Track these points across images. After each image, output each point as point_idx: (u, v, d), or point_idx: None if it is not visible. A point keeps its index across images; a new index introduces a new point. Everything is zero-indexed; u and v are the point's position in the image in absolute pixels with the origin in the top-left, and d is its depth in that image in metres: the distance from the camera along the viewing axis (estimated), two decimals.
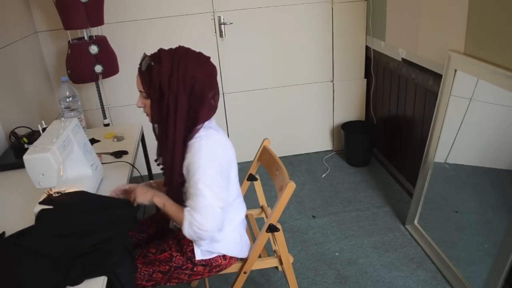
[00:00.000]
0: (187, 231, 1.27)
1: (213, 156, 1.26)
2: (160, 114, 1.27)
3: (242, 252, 1.49)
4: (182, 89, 1.23)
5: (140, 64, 1.27)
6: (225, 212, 1.37)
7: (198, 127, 1.28)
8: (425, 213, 2.22)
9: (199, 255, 1.40)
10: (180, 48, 1.28)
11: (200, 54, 1.29)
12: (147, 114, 1.34)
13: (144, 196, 1.34)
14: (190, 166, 1.25)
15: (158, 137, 1.34)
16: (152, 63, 1.23)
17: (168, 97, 1.24)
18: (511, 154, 1.71)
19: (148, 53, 1.29)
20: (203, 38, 2.86)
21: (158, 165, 1.40)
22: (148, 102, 1.30)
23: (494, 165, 1.84)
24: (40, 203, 1.33)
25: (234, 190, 1.43)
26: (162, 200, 1.33)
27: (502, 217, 1.70)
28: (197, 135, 1.28)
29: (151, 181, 1.57)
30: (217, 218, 1.27)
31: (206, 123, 1.31)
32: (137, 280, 1.37)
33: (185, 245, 1.42)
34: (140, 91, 1.30)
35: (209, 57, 1.31)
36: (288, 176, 1.44)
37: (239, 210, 1.48)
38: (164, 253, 1.41)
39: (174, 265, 1.40)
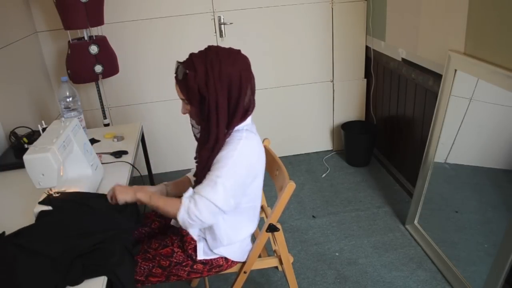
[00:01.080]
0: (181, 215, 1.26)
1: (244, 161, 1.27)
2: (202, 117, 1.28)
3: (244, 257, 1.49)
4: (220, 90, 1.24)
5: (176, 74, 1.28)
6: (237, 218, 1.39)
7: (240, 125, 1.30)
8: (425, 213, 2.22)
9: (201, 255, 1.41)
10: (211, 49, 1.28)
11: (230, 50, 1.29)
12: (193, 119, 1.36)
13: (125, 193, 1.32)
14: (220, 159, 1.26)
15: (199, 138, 1.34)
16: (187, 71, 1.23)
17: (209, 100, 1.24)
18: (511, 154, 1.71)
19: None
20: (203, 38, 2.86)
21: (197, 163, 1.39)
22: (189, 108, 1.31)
23: (493, 165, 1.84)
24: (40, 203, 1.33)
25: (253, 199, 1.41)
26: (147, 194, 1.33)
27: (502, 217, 1.70)
28: (238, 134, 1.28)
29: (165, 183, 1.54)
30: (215, 216, 1.29)
31: (249, 126, 1.33)
32: (136, 275, 1.37)
33: (187, 243, 1.42)
34: (182, 99, 1.31)
35: (239, 50, 1.30)
36: (288, 176, 1.44)
37: (253, 221, 1.48)
38: (166, 248, 1.42)
39: (175, 260, 1.40)
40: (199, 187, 1.27)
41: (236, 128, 1.30)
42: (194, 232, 1.42)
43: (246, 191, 1.34)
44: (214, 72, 1.22)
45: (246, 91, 1.28)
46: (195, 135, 1.40)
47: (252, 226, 1.48)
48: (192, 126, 1.41)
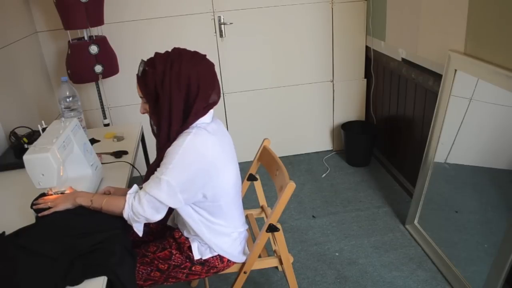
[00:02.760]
0: (127, 213, 1.26)
1: (190, 157, 1.24)
2: (157, 116, 1.29)
3: (239, 256, 1.49)
4: (176, 90, 1.24)
5: (138, 71, 1.30)
6: (213, 215, 1.38)
7: (190, 123, 1.28)
8: (425, 213, 2.22)
9: (196, 255, 1.41)
10: (175, 50, 1.30)
11: (195, 53, 1.30)
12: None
13: (66, 201, 1.32)
14: (166, 155, 1.25)
15: (156, 137, 1.35)
16: (146, 68, 1.27)
17: (163, 99, 1.25)
18: (511, 154, 1.71)
19: (146, 56, 1.32)
20: (203, 38, 2.86)
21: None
22: (147, 106, 1.32)
23: (494, 165, 1.84)
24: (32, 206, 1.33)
25: (221, 196, 1.37)
26: (87, 198, 1.32)
27: (502, 217, 1.70)
28: (187, 130, 1.28)
29: (109, 186, 1.49)
30: (159, 212, 1.27)
31: (202, 123, 1.30)
32: None
33: (182, 244, 1.42)
34: (140, 97, 1.33)
35: (204, 55, 1.31)
36: (288, 176, 1.44)
37: (232, 217, 1.45)
38: (165, 251, 1.42)
39: (173, 263, 1.40)
40: (145, 184, 1.27)
41: (192, 125, 1.29)
42: (184, 233, 1.43)
43: (209, 186, 1.30)
44: (172, 72, 1.24)
45: (205, 94, 1.28)
46: (154, 133, 1.37)
47: (232, 221, 1.45)
48: (151, 124, 1.38)
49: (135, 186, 1.32)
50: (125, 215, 1.27)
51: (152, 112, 1.31)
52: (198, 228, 1.37)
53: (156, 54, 1.30)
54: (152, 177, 1.26)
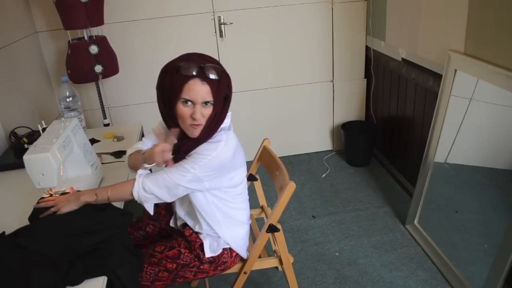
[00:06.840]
0: (136, 191, 1.26)
1: (220, 159, 1.28)
2: (213, 118, 1.26)
3: (245, 252, 1.49)
4: (231, 91, 1.31)
5: (203, 75, 1.22)
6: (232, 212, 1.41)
7: (222, 122, 1.32)
8: (425, 213, 2.22)
9: (208, 252, 1.41)
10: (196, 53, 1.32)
11: None
12: (196, 126, 1.25)
13: (68, 204, 1.29)
14: (197, 152, 1.27)
15: (197, 136, 1.29)
16: (222, 70, 1.25)
17: (229, 99, 1.30)
18: (511, 154, 1.71)
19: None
20: (203, 38, 2.86)
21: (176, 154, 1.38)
22: (208, 111, 1.25)
23: (494, 165, 1.84)
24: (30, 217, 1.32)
25: (237, 185, 1.42)
26: (91, 193, 1.31)
27: (502, 217, 1.70)
28: (219, 136, 1.30)
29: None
30: (171, 195, 1.28)
31: (228, 125, 1.35)
32: (142, 280, 1.36)
33: (193, 242, 1.42)
34: (204, 102, 1.23)
35: None
36: (288, 176, 1.44)
37: (245, 207, 1.49)
38: (173, 249, 1.41)
39: (182, 262, 1.40)
40: (166, 169, 1.27)
41: (220, 128, 1.33)
42: (198, 230, 1.43)
43: (230, 180, 1.36)
44: (226, 73, 1.29)
45: None
46: (185, 134, 1.34)
47: (246, 211, 1.49)
48: (170, 125, 1.32)
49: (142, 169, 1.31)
50: (135, 194, 1.26)
51: (213, 116, 1.25)
52: (214, 217, 1.38)
53: (205, 56, 1.29)
54: (176, 165, 1.26)
